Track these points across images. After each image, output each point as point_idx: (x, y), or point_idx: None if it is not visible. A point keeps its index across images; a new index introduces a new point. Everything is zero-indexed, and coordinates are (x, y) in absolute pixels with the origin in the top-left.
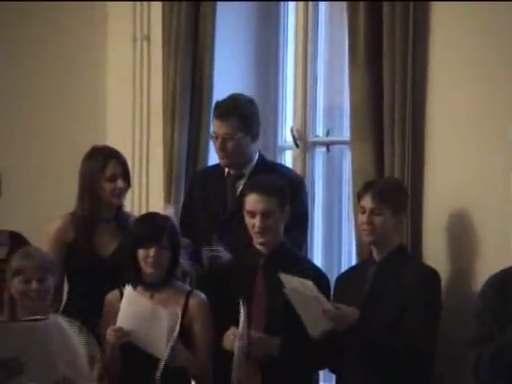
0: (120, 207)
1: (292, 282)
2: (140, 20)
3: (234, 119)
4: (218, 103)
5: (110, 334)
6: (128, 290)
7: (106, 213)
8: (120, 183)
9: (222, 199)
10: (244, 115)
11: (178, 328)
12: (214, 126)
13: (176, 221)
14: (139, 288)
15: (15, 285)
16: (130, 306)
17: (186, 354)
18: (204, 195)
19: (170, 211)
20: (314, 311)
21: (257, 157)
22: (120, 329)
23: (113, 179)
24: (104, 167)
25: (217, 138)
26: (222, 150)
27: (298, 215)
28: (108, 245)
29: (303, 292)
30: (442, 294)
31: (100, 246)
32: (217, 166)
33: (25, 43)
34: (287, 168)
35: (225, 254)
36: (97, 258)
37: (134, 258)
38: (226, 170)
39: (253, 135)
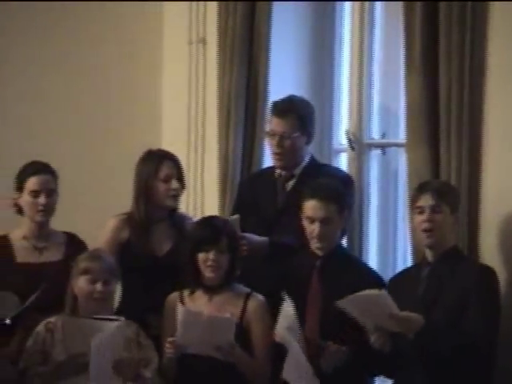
0: (174, 208)
1: (350, 303)
2: (196, 23)
3: (292, 117)
4: (276, 102)
5: (167, 346)
6: (179, 308)
7: (161, 214)
8: (174, 184)
9: (272, 201)
10: (302, 115)
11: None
12: (271, 124)
13: (239, 229)
14: (199, 291)
15: (80, 284)
16: (186, 323)
17: (241, 354)
18: (254, 199)
19: (236, 217)
20: (376, 318)
21: (308, 159)
22: (175, 341)
23: (167, 180)
24: (158, 168)
25: (274, 136)
26: (279, 147)
27: None
28: (162, 244)
29: (364, 304)
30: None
31: (154, 246)
32: (266, 169)
33: (81, 45)
34: (336, 168)
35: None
36: (151, 258)
37: (193, 262)
38: (277, 171)
39: (308, 136)
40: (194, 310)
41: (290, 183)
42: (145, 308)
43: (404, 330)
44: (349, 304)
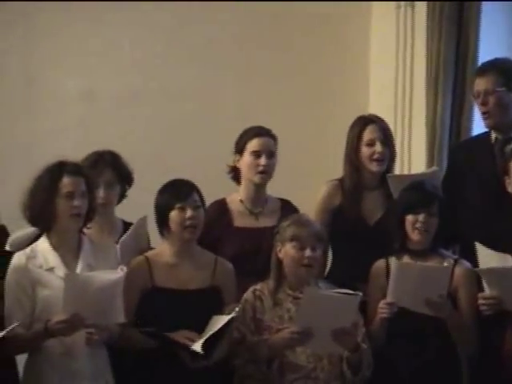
0: (382, 174)
1: None
2: None
3: (493, 73)
4: (479, 65)
5: (381, 307)
6: (394, 261)
7: (370, 180)
8: (379, 147)
9: (490, 167)
10: (504, 70)
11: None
12: (474, 87)
13: (439, 181)
14: (405, 256)
15: (288, 251)
16: (399, 276)
17: (452, 311)
18: (470, 165)
19: (433, 169)
20: None
21: None
22: (392, 303)
23: (370, 144)
24: (361, 132)
25: (478, 96)
26: (484, 106)
27: None
28: (373, 212)
29: None
30: None
31: (365, 214)
32: (480, 135)
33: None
34: None
35: None
36: (361, 225)
37: (401, 225)
38: (493, 135)
39: None
40: (406, 261)
41: (510, 147)
42: (353, 275)
43: None
44: None
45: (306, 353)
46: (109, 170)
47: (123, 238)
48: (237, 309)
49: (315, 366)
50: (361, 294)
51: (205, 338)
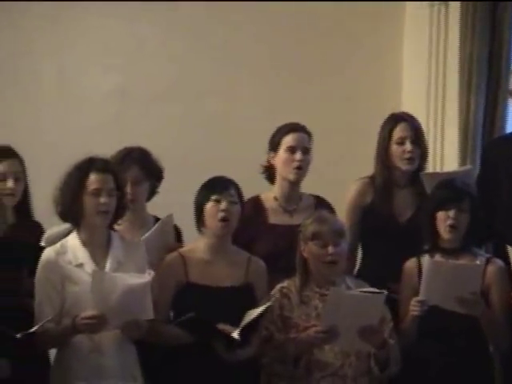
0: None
1: None
2: None
3: None
4: None
5: (413, 305)
6: (427, 259)
7: (400, 178)
8: (408, 146)
9: None
10: None
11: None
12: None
13: (473, 179)
14: (437, 255)
15: (311, 249)
16: (433, 274)
17: (485, 308)
18: (504, 161)
19: (467, 167)
20: None
21: None
22: (424, 301)
23: (401, 142)
24: (392, 130)
25: None
26: None
27: None
28: (404, 210)
29: None
30: None
31: (396, 211)
32: None
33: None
34: None
35: None
36: (393, 223)
37: (432, 222)
38: None
39: None
40: (439, 260)
41: None
42: (383, 274)
43: None
44: None
45: (334, 350)
46: (136, 167)
47: (146, 235)
48: (273, 298)
49: (343, 363)
50: (386, 292)
51: (242, 326)
